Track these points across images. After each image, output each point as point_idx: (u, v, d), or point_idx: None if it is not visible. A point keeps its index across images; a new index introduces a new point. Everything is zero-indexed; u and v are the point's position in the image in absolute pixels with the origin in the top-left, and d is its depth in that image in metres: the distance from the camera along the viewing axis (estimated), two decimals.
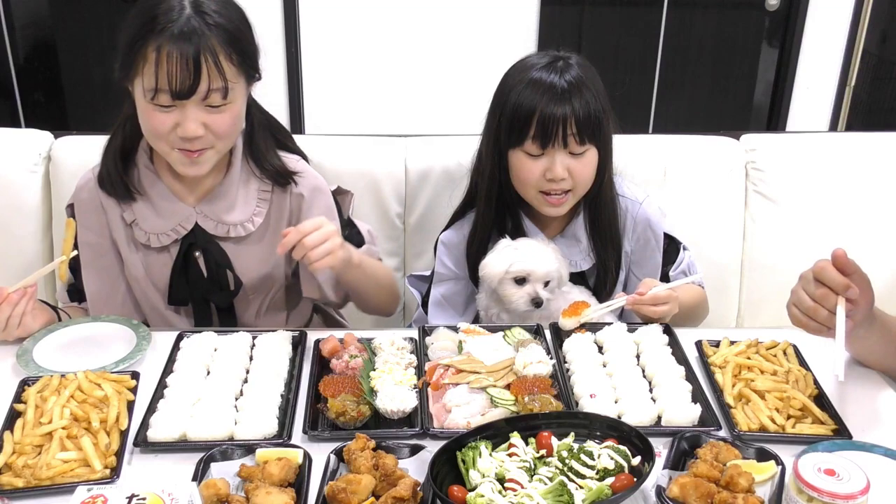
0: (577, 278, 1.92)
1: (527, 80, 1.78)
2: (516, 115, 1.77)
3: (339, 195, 1.95)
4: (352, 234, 1.93)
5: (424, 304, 2.04)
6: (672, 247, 1.95)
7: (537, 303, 1.78)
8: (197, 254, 1.81)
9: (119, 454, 1.34)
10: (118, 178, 1.76)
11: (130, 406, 1.45)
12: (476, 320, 1.98)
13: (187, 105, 1.59)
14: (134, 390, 1.49)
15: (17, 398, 1.46)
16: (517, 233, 1.90)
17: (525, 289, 1.79)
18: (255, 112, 1.81)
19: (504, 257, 1.80)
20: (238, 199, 1.79)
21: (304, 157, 1.92)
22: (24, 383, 1.50)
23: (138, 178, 1.78)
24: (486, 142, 1.89)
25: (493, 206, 1.90)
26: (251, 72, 1.68)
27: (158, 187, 1.77)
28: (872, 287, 1.43)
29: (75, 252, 1.68)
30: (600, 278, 1.93)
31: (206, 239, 1.79)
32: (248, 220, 1.79)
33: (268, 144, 1.82)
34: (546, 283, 1.80)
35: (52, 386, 1.46)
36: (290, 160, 1.85)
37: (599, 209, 1.89)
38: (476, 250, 1.93)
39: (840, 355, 1.38)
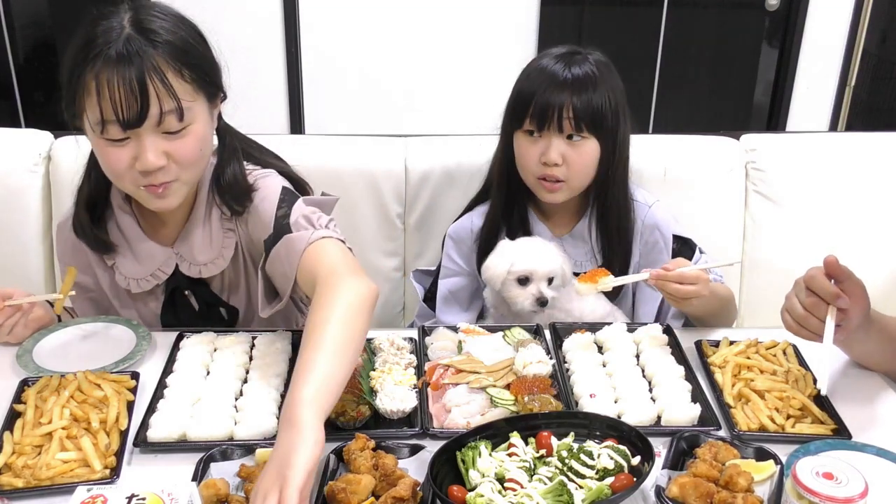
0: None
1: (534, 67, 1.83)
2: (519, 97, 1.81)
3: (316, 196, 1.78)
4: (280, 225, 1.60)
5: (426, 300, 2.04)
6: (686, 248, 1.94)
7: (542, 302, 1.78)
8: (187, 292, 1.75)
9: (119, 454, 1.34)
10: (90, 230, 1.66)
11: (130, 406, 1.45)
12: (482, 315, 1.98)
13: (142, 135, 1.44)
14: (134, 390, 1.49)
15: (17, 398, 1.46)
16: (524, 226, 1.92)
17: (529, 289, 1.79)
18: (228, 139, 1.68)
19: (505, 258, 1.80)
20: (204, 234, 1.67)
21: (284, 171, 1.76)
22: (24, 383, 1.50)
23: (115, 219, 1.68)
24: (502, 131, 1.92)
25: (503, 194, 1.92)
26: (211, 89, 1.54)
27: (135, 230, 1.68)
28: (867, 293, 1.42)
29: (73, 293, 1.66)
30: None
31: (189, 280, 1.72)
32: (219, 255, 1.68)
33: (237, 174, 1.66)
34: (550, 281, 1.79)
35: (52, 386, 1.46)
36: (255, 176, 1.69)
37: (608, 209, 1.89)
38: (486, 240, 1.94)
39: (824, 367, 1.37)
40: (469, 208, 2.04)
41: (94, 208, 1.68)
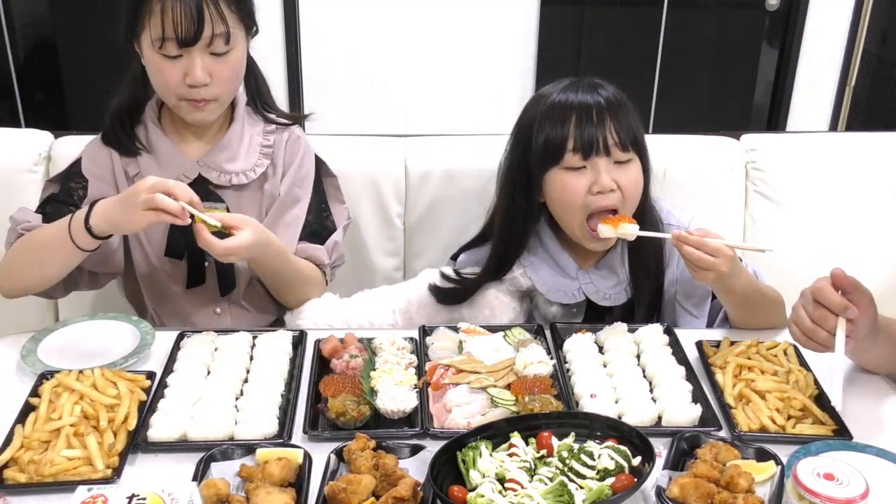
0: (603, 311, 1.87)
1: (553, 102, 1.73)
2: (550, 135, 1.70)
3: (325, 176, 2.01)
4: (320, 219, 1.96)
5: None
6: None
7: None
8: None
9: (123, 454, 1.34)
10: (123, 133, 1.85)
11: (142, 406, 1.45)
12: None
13: (193, 53, 1.69)
14: (147, 390, 1.50)
15: (34, 392, 1.46)
16: (547, 263, 1.85)
17: None
18: (256, 69, 1.93)
19: None
20: (241, 150, 1.87)
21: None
22: (43, 377, 1.50)
23: (145, 134, 1.86)
24: (508, 178, 1.82)
25: (510, 240, 1.83)
26: (249, 22, 1.79)
27: (164, 143, 1.85)
28: (875, 302, 1.41)
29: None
30: (630, 310, 1.86)
31: (207, 191, 1.83)
32: (251, 169, 1.87)
33: (271, 97, 1.97)
34: None
35: (68, 382, 1.45)
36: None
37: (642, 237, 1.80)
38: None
39: (838, 382, 1.35)
40: (473, 243, 1.96)
41: (129, 117, 1.87)
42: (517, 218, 1.82)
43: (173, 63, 1.70)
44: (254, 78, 1.93)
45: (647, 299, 1.85)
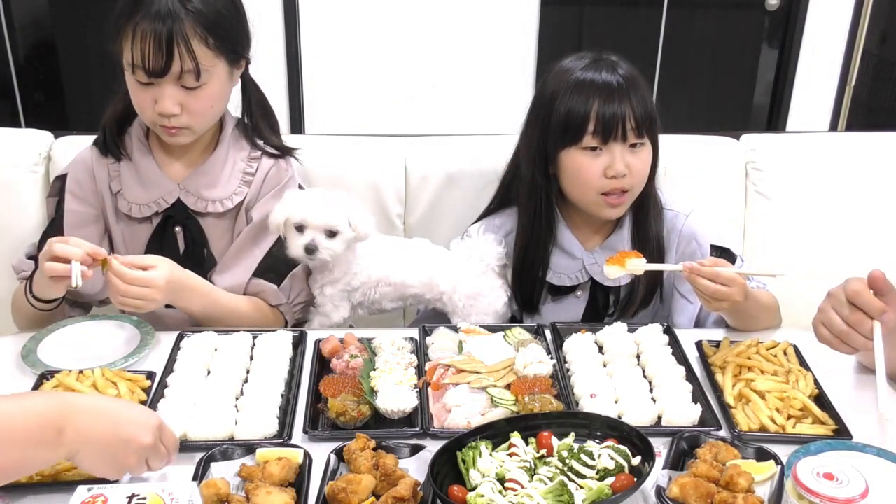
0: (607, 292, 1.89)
1: (577, 80, 1.75)
2: (572, 114, 1.73)
3: None
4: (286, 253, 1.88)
5: None
6: (725, 257, 1.85)
7: (309, 249, 1.76)
8: (177, 229, 1.85)
9: None
10: (112, 140, 1.84)
11: None
12: None
13: (163, 84, 1.67)
14: (147, 391, 1.50)
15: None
16: (554, 243, 1.88)
17: (303, 237, 1.77)
18: (252, 91, 1.89)
19: (285, 206, 1.79)
20: (222, 176, 1.84)
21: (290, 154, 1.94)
22: (43, 377, 1.50)
23: (131, 148, 1.85)
24: (528, 149, 1.84)
25: (533, 214, 1.86)
26: (233, 56, 1.74)
27: (147, 161, 1.83)
28: None
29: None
30: (631, 292, 1.88)
31: (186, 215, 1.84)
32: (228, 197, 1.84)
33: (267, 122, 1.91)
34: (333, 235, 1.77)
35: (69, 382, 1.46)
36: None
37: (645, 218, 1.85)
38: (523, 259, 1.89)
39: (884, 387, 1.33)
40: (486, 213, 1.99)
41: (123, 124, 1.86)
42: (540, 193, 1.84)
43: (145, 89, 1.69)
44: (248, 101, 1.89)
45: (649, 280, 1.86)
